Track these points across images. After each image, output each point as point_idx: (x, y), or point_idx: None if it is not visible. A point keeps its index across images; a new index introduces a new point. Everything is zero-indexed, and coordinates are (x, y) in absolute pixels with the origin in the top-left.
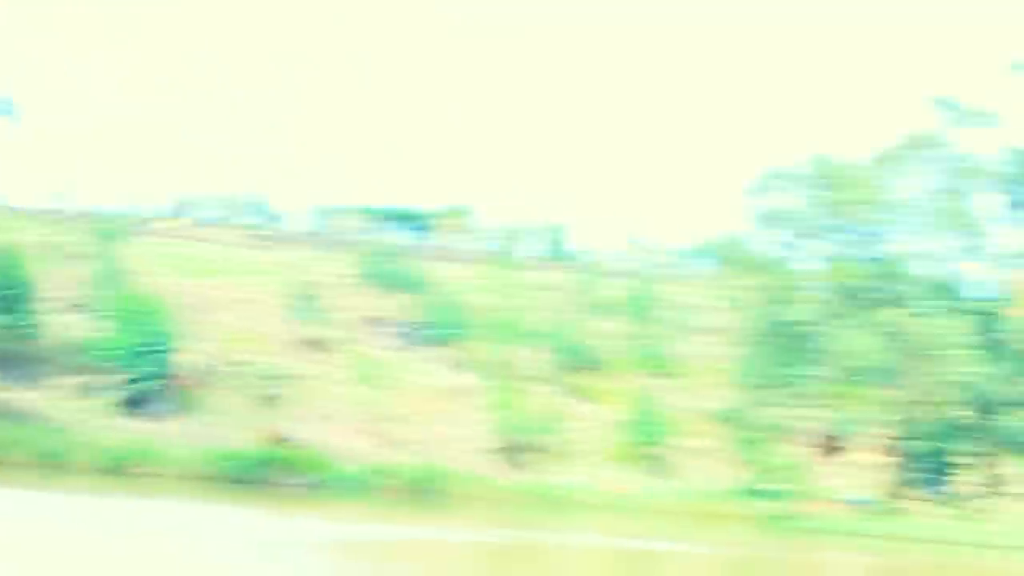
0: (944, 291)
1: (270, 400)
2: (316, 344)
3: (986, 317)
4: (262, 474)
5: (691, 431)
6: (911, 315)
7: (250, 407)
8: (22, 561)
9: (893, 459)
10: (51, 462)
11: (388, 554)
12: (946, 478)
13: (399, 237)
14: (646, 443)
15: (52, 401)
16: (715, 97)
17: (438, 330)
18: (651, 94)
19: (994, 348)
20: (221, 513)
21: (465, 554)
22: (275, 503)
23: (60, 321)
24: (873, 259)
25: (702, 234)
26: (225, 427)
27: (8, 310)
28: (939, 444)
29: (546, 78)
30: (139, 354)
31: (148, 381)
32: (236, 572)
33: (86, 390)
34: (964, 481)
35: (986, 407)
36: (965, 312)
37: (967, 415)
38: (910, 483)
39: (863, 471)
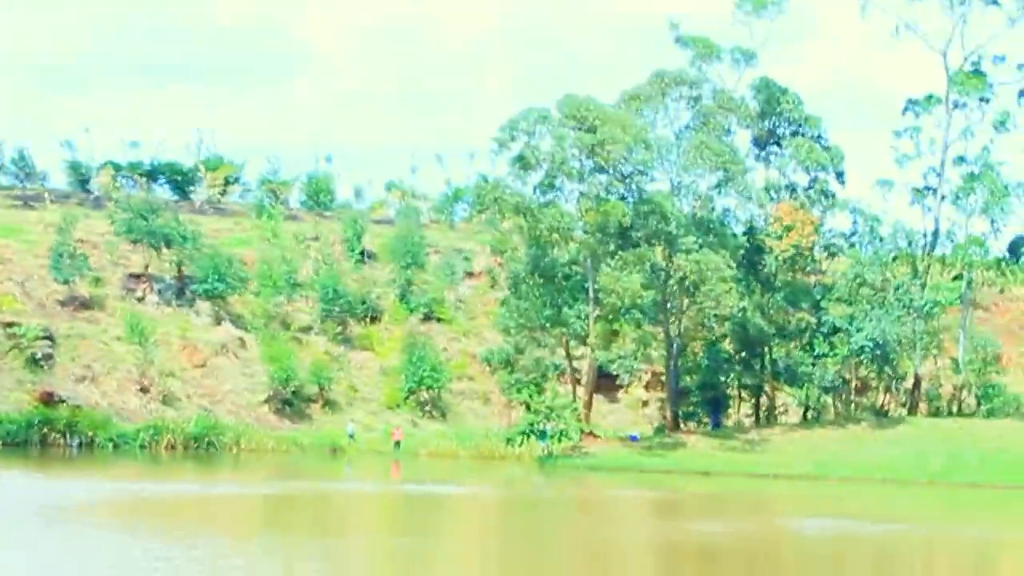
0: (707, 226)
1: (41, 361)
2: (85, 303)
3: (750, 251)
4: (36, 436)
5: (466, 374)
6: (676, 251)
7: (20, 369)
8: None
9: (668, 394)
10: None
11: (168, 510)
12: (720, 411)
13: (163, 192)
14: (421, 388)
15: None
16: (469, 39)
17: (207, 285)
18: (400, 39)
19: (759, 281)
20: None
21: (245, 505)
22: (51, 465)
23: None
24: (635, 197)
25: (464, 179)
26: None
27: None
28: (711, 378)
29: (298, 27)
30: None
31: None
32: (16, 536)
33: None
34: (737, 413)
35: (755, 340)
36: (729, 247)
37: (737, 349)
38: (685, 417)
39: (639, 408)
